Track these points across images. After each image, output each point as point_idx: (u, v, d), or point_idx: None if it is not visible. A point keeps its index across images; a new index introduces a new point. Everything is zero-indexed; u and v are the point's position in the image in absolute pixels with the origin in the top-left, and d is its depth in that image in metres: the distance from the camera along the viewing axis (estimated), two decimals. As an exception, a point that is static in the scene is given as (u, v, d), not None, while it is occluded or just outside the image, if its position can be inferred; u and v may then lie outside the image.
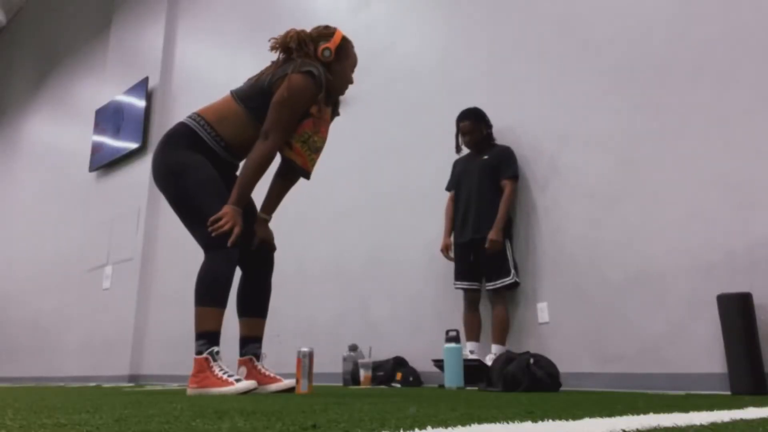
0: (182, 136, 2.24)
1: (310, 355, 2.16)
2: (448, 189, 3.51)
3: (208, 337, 2.03)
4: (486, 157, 3.34)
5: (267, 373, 2.25)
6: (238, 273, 2.23)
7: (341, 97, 2.45)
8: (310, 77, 2.18)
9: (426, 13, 4.21)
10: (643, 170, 2.89)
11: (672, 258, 2.70)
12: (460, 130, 3.44)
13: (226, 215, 2.09)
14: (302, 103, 2.20)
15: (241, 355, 2.28)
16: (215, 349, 2.02)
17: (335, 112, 2.44)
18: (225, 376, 1.96)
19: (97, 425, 0.86)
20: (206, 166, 2.21)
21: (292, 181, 2.46)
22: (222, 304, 2.07)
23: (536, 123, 3.39)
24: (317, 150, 2.30)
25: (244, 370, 2.20)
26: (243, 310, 2.32)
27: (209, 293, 2.06)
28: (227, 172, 2.33)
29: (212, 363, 2.00)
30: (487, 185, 3.28)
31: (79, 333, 6.31)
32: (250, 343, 2.29)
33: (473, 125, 3.38)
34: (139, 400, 1.62)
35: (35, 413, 1.12)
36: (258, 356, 2.28)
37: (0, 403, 1.55)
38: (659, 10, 2.99)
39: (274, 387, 2.17)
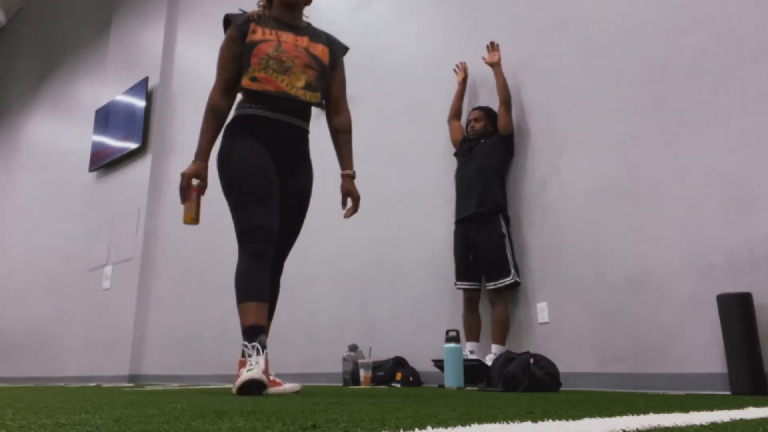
0: (227, 126, 2.30)
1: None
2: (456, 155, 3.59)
3: (244, 332, 2.04)
4: (488, 140, 3.42)
5: (271, 376, 2.24)
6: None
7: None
8: (224, 20, 2.30)
9: (425, 13, 4.21)
10: (643, 170, 2.89)
11: (672, 258, 2.70)
12: (470, 118, 3.51)
13: (181, 176, 2.17)
14: (223, 49, 2.26)
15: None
16: (250, 344, 1.99)
17: (303, 28, 2.34)
18: (243, 372, 1.94)
19: (97, 425, 0.86)
20: (245, 151, 2.20)
21: (335, 127, 2.44)
22: (246, 298, 2.06)
23: (536, 123, 3.39)
24: (286, 70, 2.21)
25: (262, 359, 2.07)
26: None
27: (236, 291, 2.09)
28: (286, 136, 2.29)
29: (248, 357, 1.98)
30: (490, 162, 3.33)
31: (79, 333, 6.31)
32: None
33: (483, 116, 3.46)
34: (139, 400, 1.62)
35: (35, 413, 1.12)
36: (264, 347, 2.26)
37: (0, 403, 1.55)
38: (659, 10, 2.99)
39: (272, 390, 2.16)
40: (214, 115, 2.25)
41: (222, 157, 2.23)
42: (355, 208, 2.41)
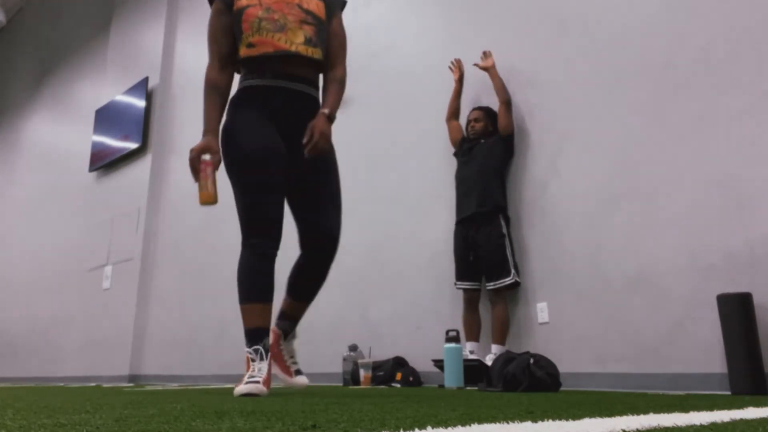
0: (230, 101, 2.15)
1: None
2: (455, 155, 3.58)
3: (247, 335, 1.95)
4: (488, 140, 3.42)
5: (286, 359, 2.17)
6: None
7: None
8: None
9: (425, 13, 4.21)
10: (643, 170, 2.89)
11: (672, 258, 2.70)
12: (470, 118, 3.50)
13: (190, 152, 2.00)
14: (212, 23, 2.14)
15: (275, 325, 2.20)
16: (253, 348, 1.92)
17: None
18: (245, 378, 1.89)
19: (97, 425, 0.86)
20: (250, 129, 2.04)
21: (328, 77, 2.20)
22: (249, 299, 1.96)
23: (536, 123, 3.39)
24: (282, 28, 2.06)
25: (265, 365, 1.97)
26: (290, 291, 2.20)
27: (239, 290, 2.00)
28: (293, 105, 2.12)
29: (251, 363, 1.91)
30: (490, 162, 3.33)
31: (79, 333, 6.31)
32: (285, 320, 2.21)
33: (483, 116, 3.46)
34: (139, 400, 1.62)
35: (35, 413, 1.12)
36: (287, 333, 2.20)
37: (0, 403, 1.55)
38: (659, 10, 2.99)
39: (281, 377, 2.10)
40: (215, 92, 2.10)
41: (226, 134, 2.08)
42: (313, 141, 2.02)
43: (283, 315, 2.23)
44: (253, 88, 2.11)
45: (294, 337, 2.25)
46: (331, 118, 2.09)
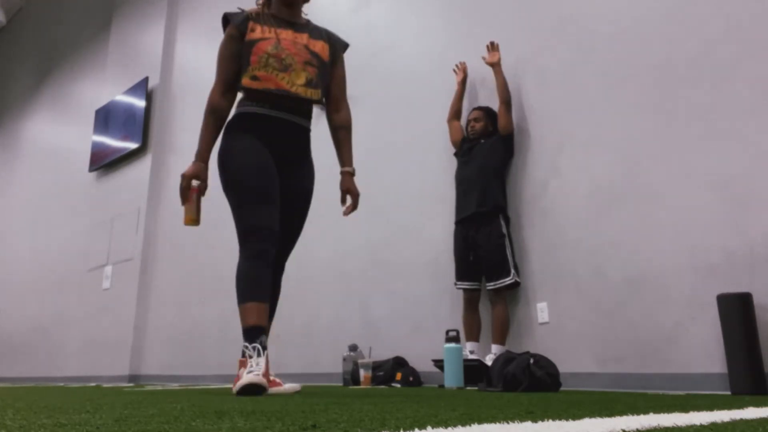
0: (228, 124, 2.30)
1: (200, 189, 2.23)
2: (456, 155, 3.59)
3: (245, 333, 2.03)
4: (489, 140, 3.42)
5: (270, 375, 2.23)
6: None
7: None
8: (223, 19, 2.30)
9: (425, 13, 4.21)
10: (643, 170, 2.89)
11: (672, 258, 2.70)
12: (470, 118, 3.51)
13: (181, 177, 2.17)
14: (223, 48, 2.26)
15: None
16: (251, 345, 1.99)
17: (302, 24, 2.33)
18: (244, 372, 1.93)
19: (97, 425, 0.86)
20: (245, 149, 2.19)
21: (335, 124, 2.42)
22: (247, 298, 2.05)
23: (536, 123, 3.39)
24: (287, 68, 2.20)
25: (263, 361, 2.03)
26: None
27: (237, 292, 2.09)
28: (287, 134, 2.28)
29: (248, 359, 1.97)
30: (490, 162, 3.33)
31: (79, 333, 6.31)
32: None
33: (483, 116, 3.46)
34: (139, 400, 1.62)
35: (35, 413, 1.12)
36: (265, 348, 2.26)
37: (0, 403, 1.55)
38: (659, 10, 2.99)
39: (272, 390, 2.16)
40: (214, 116, 2.25)
41: (222, 155, 2.22)
42: (354, 206, 2.37)
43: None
44: (250, 114, 2.24)
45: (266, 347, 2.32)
46: (354, 174, 2.40)
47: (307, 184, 2.35)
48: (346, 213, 2.36)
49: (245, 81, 2.21)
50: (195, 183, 2.20)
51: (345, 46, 2.47)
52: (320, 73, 2.30)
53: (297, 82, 2.23)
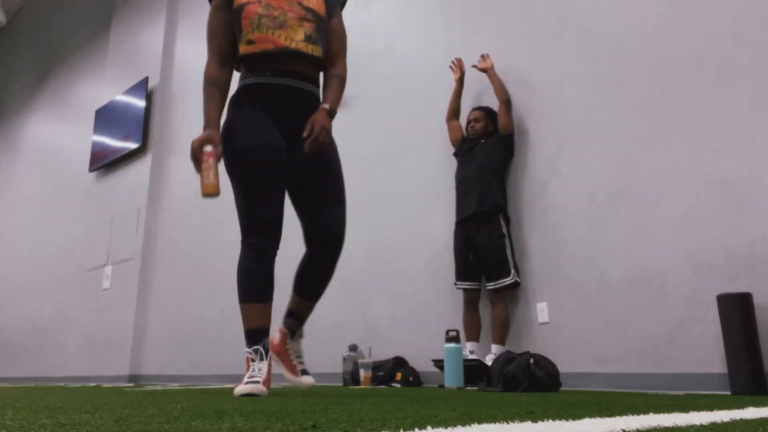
0: (230, 100, 2.13)
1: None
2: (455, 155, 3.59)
3: (247, 335, 1.95)
4: (489, 140, 3.42)
5: (292, 358, 2.15)
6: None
7: None
8: None
9: (425, 13, 4.21)
10: (642, 170, 2.89)
11: (672, 258, 2.70)
12: (470, 118, 3.51)
13: (192, 143, 1.97)
14: (211, 19, 2.12)
15: (282, 323, 2.20)
16: (253, 348, 1.92)
17: None
18: (245, 378, 1.88)
19: (97, 425, 0.86)
20: (250, 128, 2.02)
21: (328, 74, 2.19)
22: (250, 299, 1.95)
23: (536, 123, 3.39)
24: (282, 24, 2.05)
25: (265, 365, 1.95)
26: (296, 288, 2.19)
27: (239, 290, 1.99)
28: (294, 102, 2.10)
29: (250, 363, 1.91)
30: (490, 162, 3.33)
31: (79, 333, 6.31)
32: (291, 318, 2.20)
33: (484, 116, 3.46)
34: (139, 400, 1.62)
35: (35, 413, 1.12)
36: (293, 332, 2.19)
37: (0, 403, 1.55)
38: (659, 10, 2.99)
39: (287, 377, 2.09)
40: (214, 86, 2.08)
41: (226, 133, 2.06)
42: (314, 135, 1.99)
43: (290, 313, 2.21)
44: (252, 86, 2.09)
45: (301, 336, 2.23)
46: (331, 113, 2.08)
47: (325, 151, 2.11)
48: (307, 145, 2.00)
49: (242, 48, 2.07)
50: (209, 148, 1.97)
51: (342, 1, 2.31)
52: (318, 28, 2.14)
53: (295, 38, 2.07)
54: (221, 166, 2.05)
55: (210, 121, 2.03)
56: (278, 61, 2.09)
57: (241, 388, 1.84)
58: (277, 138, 2.06)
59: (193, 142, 1.98)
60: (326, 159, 2.13)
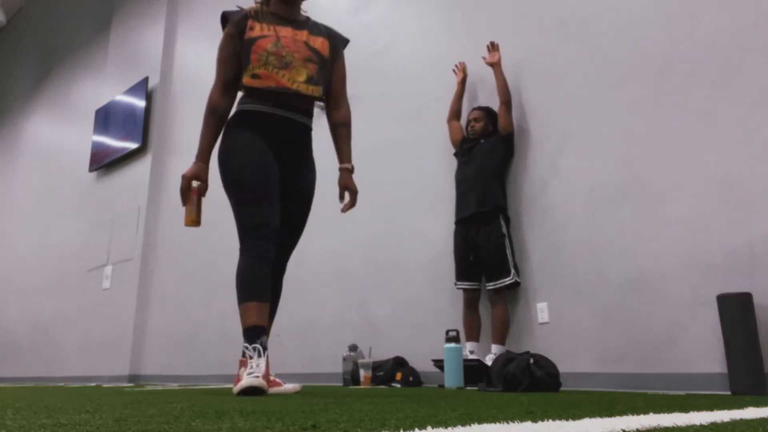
0: (229, 122, 2.28)
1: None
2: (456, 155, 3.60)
3: (245, 333, 2.01)
4: (489, 140, 3.42)
5: (273, 377, 2.20)
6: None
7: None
8: (222, 18, 2.29)
9: (425, 13, 4.21)
10: (642, 170, 2.89)
11: (672, 258, 2.70)
12: (470, 118, 3.51)
13: (182, 178, 2.16)
14: (222, 47, 2.25)
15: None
16: (251, 346, 1.98)
17: (302, 21, 2.32)
18: (245, 374, 1.92)
19: (97, 425, 0.86)
20: (246, 148, 2.17)
21: (334, 121, 2.40)
22: (247, 298, 2.04)
23: (536, 123, 3.39)
24: (287, 65, 2.19)
25: (263, 362, 2.01)
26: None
27: (237, 292, 2.07)
28: (288, 132, 2.26)
29: (249, 360, 1.96)
30: (490, 162, 3.33)
31: (79, 333, 6.31)
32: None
33: (484, 116, 3.46)
34: (139, 400, 1.62)
35: (35, 413, 1.12)
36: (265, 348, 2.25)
37: (0, 403, 1.55)
38: (659, 10, 2.99)
39: (272, 390, 2.16)
40: (214, 116, 2.24)
41: (223, 153, 2.20)
42: (352, 203, 2.35)
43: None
44: (251, 112, 2.22)
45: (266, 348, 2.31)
46: (352, 171, 2.37)
47: (308, 183, 2.33)
48: (344, 210, 2.35)
49: (246, 80, 2.20)
50: (195, 184, 2.19)
51: (345, 41, 2.44)
52: (320, 69, 2.28)
53: (298, 79, 2.21)
54: (214, 188, 2.22)
55: (201, 152, 2.22)
56: (278, 97, 2.23)
57: (242, 382, 1.87)
58: (272, 159, 2.21)
59: (182, 177, 2.17)
60: (307, 201, 2.34)
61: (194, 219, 2.17)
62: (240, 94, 2.30)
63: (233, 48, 2.24)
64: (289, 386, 2.22)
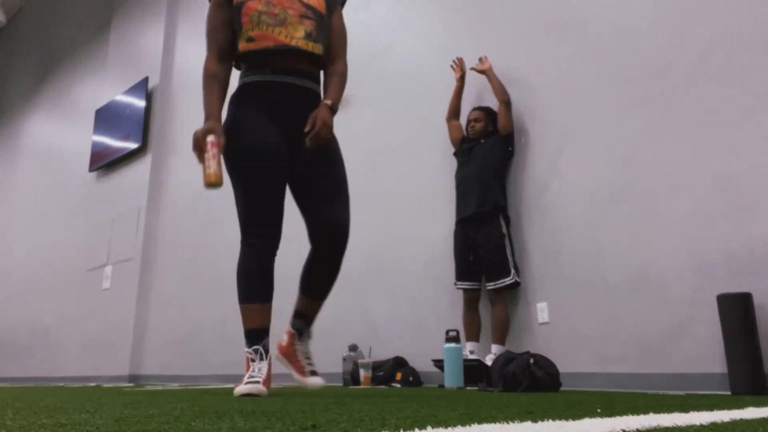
0: (230, 99, 2.12)
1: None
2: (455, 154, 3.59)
3: (246, 335, 1.95)
4: (489, 140, 3.42)
5: (300, 359, 2.13)
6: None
7: None
8: None
9: (425, 13, 4.21)
10: (642, 170, 2.89)
11: (672, 258, 2.70)
12: (470, 118, 3.51)
13: (194, 134, 1.96)
14: (211, 16, 2.13)
15: (291, 325, 2.18)
16: (252, 348, 1.92)
17: None
18: (245, 378, 1.87)
19: (97, 425, 0.86)
20: (250, 128, 2.03)
21: (329, 72, 2.18)
22: (249, 299, 1.96)
23: (536, 123, 3.39)
24: (282, 22, 2.04)
25: (265, 366, 1.94)
26: (302, 287, 2.17)
27: (238, 290, 1.99)
28: (295, 100, 2.09)
29: (250, 363, 1.90)
30: (490, 162, 3.33)
31: (79, 333, 6.31)
32: (299, 319, 2.18)
33: (484, 116, 3.46)
34: (139, 400, 1.62)
35: (35, 413, 1.12)
36: (301, 333, 2.16)
37: (0, 403, 1.55)
38: (659, 11, 2.99)
39: (296, 377, 2.07)
40: (213, 80, 2.08)
41: (226, 132, 2.03)
42: (315, 130, 1.99)
43: (297, 314, 2.19)
44: (252, 84, 2.09)
45: (309, 337, 2.20)
46: (333, 109, 2.06)
47: (328, 149, 2.10)
48: (308, 139, 2.00)
49: (241, 45, 2.06)
50: (212, 138, 1.96)
51: None
52: (319, 26, 2.13)
53: (296, 35, 2.06)
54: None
55: (211, 113, 2.03)
56: (278, 59, 2.08)
57: (240, 388, 1.83)
58: (277, 137, 2.06)
59: (195, 132, 1.96)
60: (328, 156, 2.12)
61: (216, 174, 1.89)
62: (237, 75, 2.17)
63: (223, 16, 2.10)
64: (313, 380, 2.09)
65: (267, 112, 2.06)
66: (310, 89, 2.13)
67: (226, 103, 2.16)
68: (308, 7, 2.13)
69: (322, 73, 2.24)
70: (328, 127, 2.01)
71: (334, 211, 2.09)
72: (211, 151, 1.93)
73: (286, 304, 2.26)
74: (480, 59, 3.58)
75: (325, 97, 2.12)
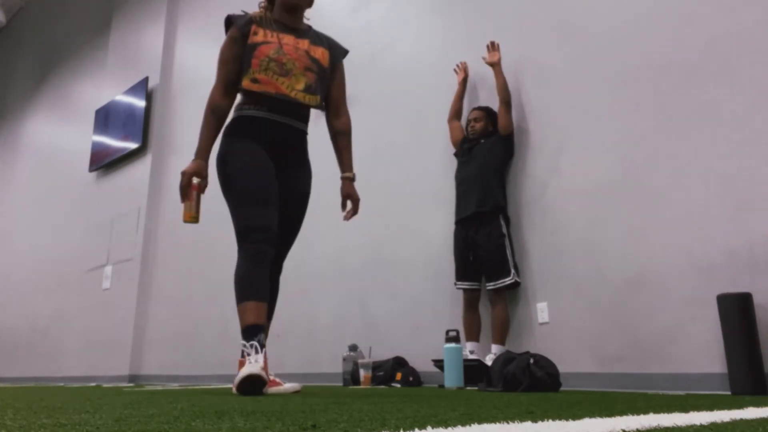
0: (226, 127, 2.32)
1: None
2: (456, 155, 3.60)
3: (243, 333, 2.04)
4: (489, 140, 3.42)
5: (272, 377, 2.22)
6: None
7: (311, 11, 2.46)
8: (226, 21, 2.32)
9: (425, 13, 4.21)
10: (642, 170, 2.89)
11: (672, 258, 2.70)
12: (470, 118, 3.51)
13: (182, 174, 2.17)
14: (225, 49, 2.28)
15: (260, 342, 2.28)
16: (249, 343, 2.00)
17: (304, 30, 2.37)
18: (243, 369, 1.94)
19: (97, 425, 0.86)
20: (244, 152, 2.22)
21: (335, 130, 2.45)
22: (245, 297, 2.06)
23: (536, 123, 3.39)
24: (287, 72, 2.24)
25: (261, 358, 2.03)
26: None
27: (236, 292, 2.10)
28: (285, 137, 2.30)
29: (247, 357, 1.98)
30: (490, 162, 3.33)
31: (79, 333, 6.31)
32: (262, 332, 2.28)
33: (484, 116, 3.46)
34: (139, 400, 1.62)
35: (35, 413, 1.12)
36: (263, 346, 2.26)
37: (0, 403, 1.55)
38: (659, 10, 2.99)
39: (272, 390, 2.16)
40: (214, 115, 2.27)
41: (221, 157, 2.25)
42: (354, 211, 2.43)
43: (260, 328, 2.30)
44: (248, 118, 2.26)
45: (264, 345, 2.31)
46: (354, 179, 2.44)
47: (304, 187, 2.38)
48: (347, 218, 2.42)
49: (245, 83, 2.23)
50: (195, 180, 2.21)
51: (345, 52, 2.50)
52: (319, 78, 2.33)
53: (296, 87, 2.26)
54: (210, 189, 2.23)
55: (201, 150, 2.23)
56: (276, 104, 2.26)
57: (242, 371, 1.88)
58: (269, 162, 2.25)
59: (182, 173, 2.17)
60: (302, 204, 2.38)
61: (193, 215, 2.19)
62: (238, 100, 2.33)
63: (236, 51, 2.27)
64: (289, 386, 2.22)
65: (259, 142, 2.25)
66: (300, 130, 2.36)
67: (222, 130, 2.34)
68: (314, 60, 2.32)
69: (318, 111, 2.46)
70: (359, 200, 2.43)
71: (284, 247, 2.36)
72: (192, 194, 2.20)
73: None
74: (492, 44, 3.54)
75: (344, 169, 2.44)
